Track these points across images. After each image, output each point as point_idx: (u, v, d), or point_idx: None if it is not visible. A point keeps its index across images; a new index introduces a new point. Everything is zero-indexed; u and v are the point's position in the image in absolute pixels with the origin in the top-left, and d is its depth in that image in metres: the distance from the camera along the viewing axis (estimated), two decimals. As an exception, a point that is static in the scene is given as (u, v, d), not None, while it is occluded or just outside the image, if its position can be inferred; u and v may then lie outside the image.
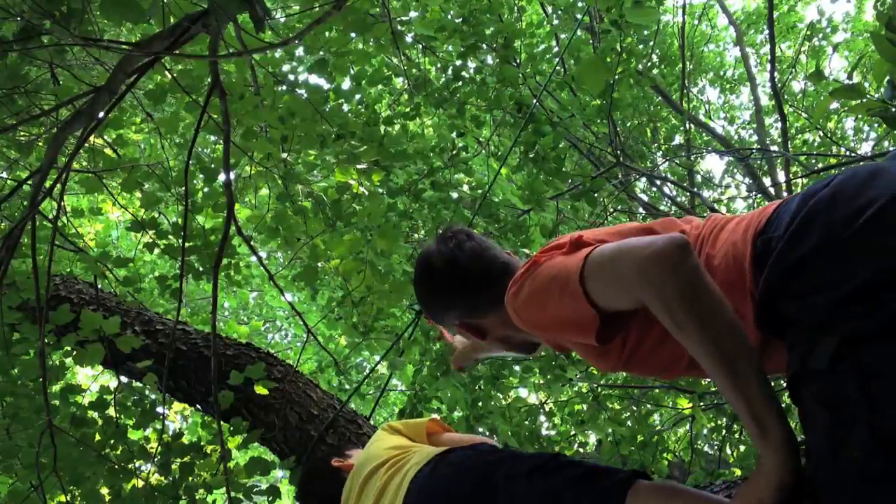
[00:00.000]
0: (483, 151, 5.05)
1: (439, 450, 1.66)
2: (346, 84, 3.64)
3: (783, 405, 1.08)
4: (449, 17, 3.93)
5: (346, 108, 3.64)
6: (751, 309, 1.14)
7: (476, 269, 1.51)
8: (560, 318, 1.27)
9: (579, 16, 4.19)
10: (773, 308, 1.09)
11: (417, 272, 1.62)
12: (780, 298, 1.07)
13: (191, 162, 2.62)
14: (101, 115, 2.36)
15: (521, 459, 1.49)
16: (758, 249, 1.12)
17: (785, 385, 1.07)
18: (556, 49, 4.97)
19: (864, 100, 1.53)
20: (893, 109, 1.49)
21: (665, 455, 4.55)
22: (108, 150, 3.70)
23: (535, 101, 3.55)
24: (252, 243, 3.31)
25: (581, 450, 4.55)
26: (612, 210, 5.05)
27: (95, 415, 2.63)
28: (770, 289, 1.08)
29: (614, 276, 1.17)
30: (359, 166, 3.15)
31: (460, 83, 4.05)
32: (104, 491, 2.54)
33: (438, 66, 4.32)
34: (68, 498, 2.45)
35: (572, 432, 4.52)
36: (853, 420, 0.92)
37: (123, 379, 2.94)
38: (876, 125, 7.07)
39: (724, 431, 4.47)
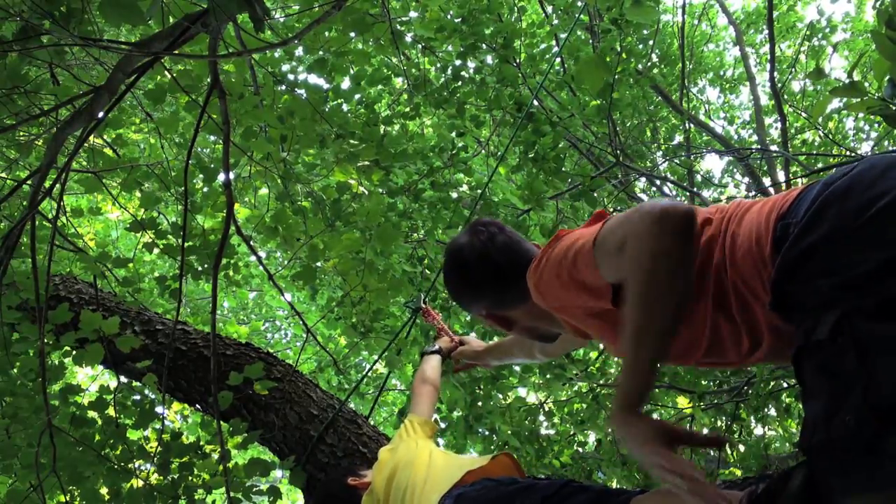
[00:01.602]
0: (483, 151, 5.05)
1: (455, 478, 1.68)
2: (346, 84, 3.64)
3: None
4: (448, 17, 3.93)
5: (345, 107, 3.64)
6: (767, 290, 1.16)
7: (507, 263, 1.55)
8: (577, 281, 1.33)
9: (579, 15, 4.18)
10: (785, 291, 1.11)
11: (449, 263, 1.67)
12: (792, 282, 1.09)
13: (190, 162, 2.62)
14: (101, 115, 2.36)
15: (535, 489, 1.55)
16: (777, 233, 1.14)
17: (791, 361, 1.10)
18: (555, 49, 4.97)
19: (865, 98, 1.52)
20: (894, 108, 1.49)
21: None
22: (107, 150, 3.70)
23: (533, 100, 3.54)
24: (251, 243, 3.31)
25: (580, 449, 4.55)
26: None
27: (95, 415, 2.63)
28: (782, 272, 1.10)
29: (622, 228, 1.23)
30: (358, 164, 3.15)
31: (460, 83, 4.04)
32: (103, 491, 2.54)
33: (438, 66, 4.32)
34: (67, 498, 2.44)
35: (572, 432, 4.52)
36: (849, 388, 0.94)
37: (123, 379, 2.94)
38: (876, 125, 7.07)
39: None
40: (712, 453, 4.99)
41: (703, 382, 4.45)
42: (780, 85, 6.33)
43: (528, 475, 1.90)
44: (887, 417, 0.89)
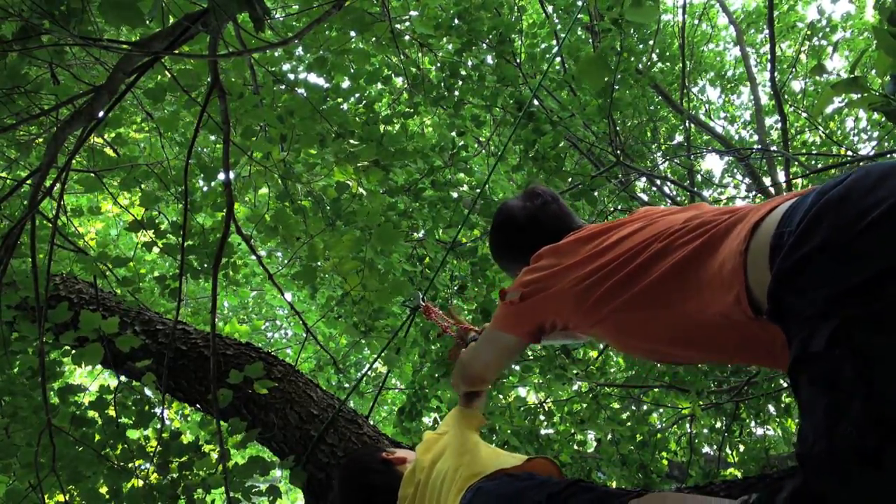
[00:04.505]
0: (483, 151, 5.04)
1: (486, 473, 1.69)
2: (346, 83, 3.64)
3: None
4: (447, 14, 3.92)
5: (345, 107, 3.64)
6: (733, 301, 1.18)
7: (553, 232, 1.60)
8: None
9: (579, 15, 4.18)
10: (782, 301, 1.10)
11: (497, 221, 1.76)
12: (787, 292, 1.09)
13: (190, 161, 2.62)
14: (101, 114, 2.36)
15: (545, 486, 1.57)
16: (773, 243, 1.14)
17: (787, 373, 1.09)
18: (556, 49, 4.97)
19: (866, 94, 1.52)
20: (895, 104, 1.48)
21: (664, 455, 4.54)
22: (107, 150, 3.70)
23: (533, 99, 3.54)
24: (251, 242, 3.31)
25: (579, 448, 4.55)
26: (612, 210, 5.04)
27: (95, 414, 2.63)
28: (778, 282, 1.10)
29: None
30: (358, 164, 3.15)
31: (459, 81, 4.04)
32: (103, 490, 2.54)
33: (438, 65, 4.32)
34: (67, 497, 2.44)
35: (572, 431, 4.52)
36: (849, 399, 0.93)
37: (123, 378, 2.93)
38: (879, 126, 7.06)
39: (724, 432, 4.46)
40: (712, 453, 4.99)
41: (702, 380, 4.45)
42: (780, 85, 6.33)
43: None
44: (889, 429, 0.89)
